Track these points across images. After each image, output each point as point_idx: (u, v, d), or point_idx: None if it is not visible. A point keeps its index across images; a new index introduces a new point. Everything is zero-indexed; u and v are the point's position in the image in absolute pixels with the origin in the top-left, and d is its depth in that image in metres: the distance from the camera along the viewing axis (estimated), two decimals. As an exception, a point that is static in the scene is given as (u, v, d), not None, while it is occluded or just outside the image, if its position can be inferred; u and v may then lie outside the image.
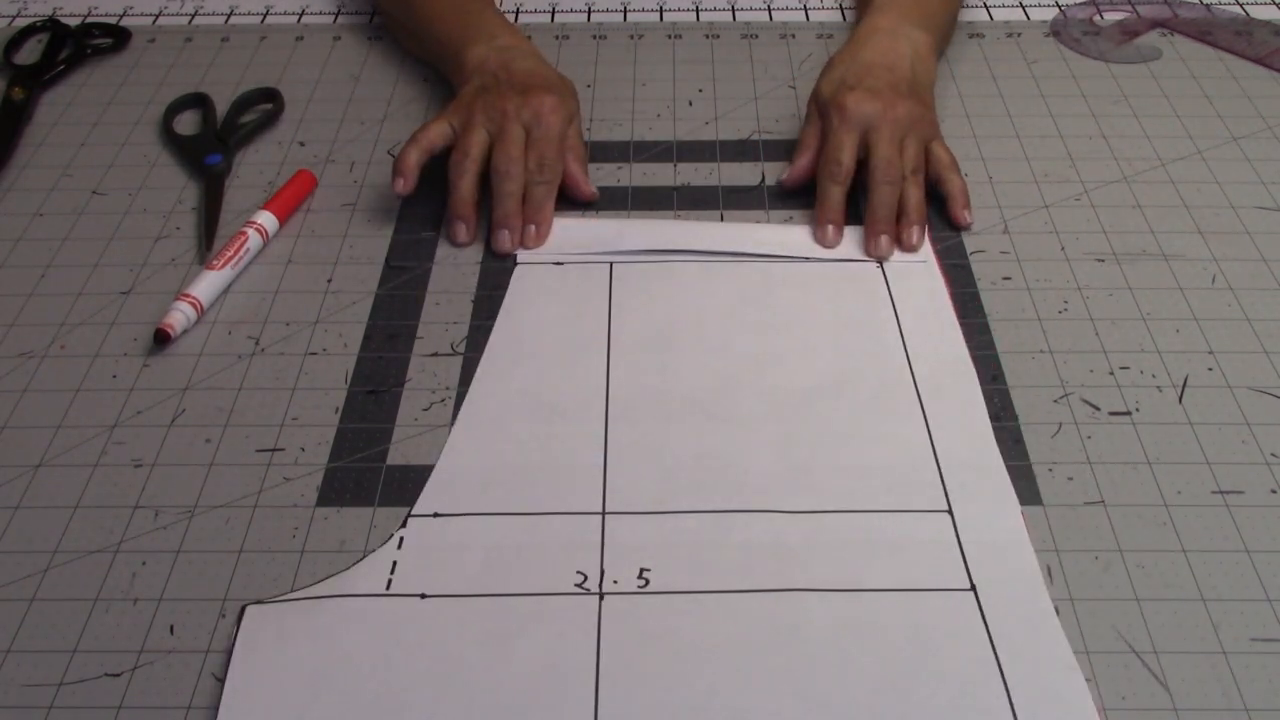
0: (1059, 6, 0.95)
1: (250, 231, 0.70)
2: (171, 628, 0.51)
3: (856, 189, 0.73)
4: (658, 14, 0.95)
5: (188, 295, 0.66)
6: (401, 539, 0.54)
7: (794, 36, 0.92)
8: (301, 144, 0.81)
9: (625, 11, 0.95)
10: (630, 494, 0.56)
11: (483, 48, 0.78)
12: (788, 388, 0.62)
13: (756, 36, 0.92)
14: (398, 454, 0.59)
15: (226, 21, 0.95)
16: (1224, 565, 0.53)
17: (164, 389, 0.62)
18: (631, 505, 0.56)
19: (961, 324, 0.65)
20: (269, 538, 0.55)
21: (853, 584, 0.52)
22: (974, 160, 0.77)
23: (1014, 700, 0.48)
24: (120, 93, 0.87)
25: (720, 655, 0.49)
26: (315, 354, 0.64)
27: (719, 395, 0.61)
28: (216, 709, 0.48)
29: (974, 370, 0.62)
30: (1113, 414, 0.60)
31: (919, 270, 0.69)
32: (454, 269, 0.70)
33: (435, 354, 0.64)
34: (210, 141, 0.80)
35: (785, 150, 0.79)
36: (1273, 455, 0.58)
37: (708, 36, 0.92)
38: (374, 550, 0.54)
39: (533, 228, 0.71)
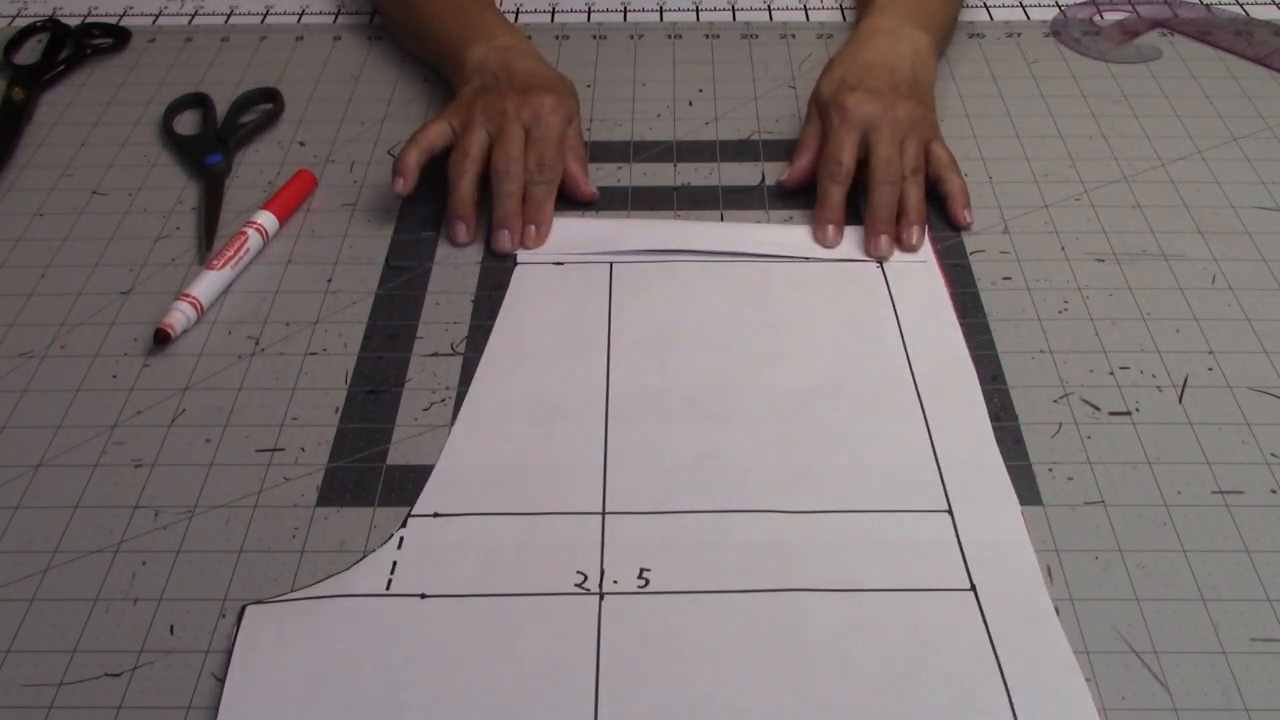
0: (1059, 6, 0.95)
1: (250, 231, 0.70)
2: (171, 628, 0.51)
3: (857, 189, 0.73)
4: (658, 14, 0.95)
5: (188, 295, 0.66)
6: (401, 539, 0.54)
7: (794, 36, 0.92)
8: (301, 144, 0.81)
9: (625, 11, 0.95)
10: (630, 494, 0.56)
11: (482, 48, 0.78)
12: (788, 388, 0.62)
13: (756, 36, 0.92)
14: (398, 454, 0.59)
15: (226, 21, 0.95)
16: (1224, 565, 0.53)
17: (164, 389, 0.62)
18: (631, 505, 0.56)
19: (961, 324, 0.65)
20: (269, 538, 0.55)
21: (853, 584, 0.52)
22: (974, 160, 0.77)
23: (1014, 700, 0.48)
24: (120, 93, 0.87)
25: (720, 655, 0.49)
26: (315, 354, 0.64)
27: (719, 395, 0.61)
28: (216, 709, 0.48)
29: (974, 370, 0.62)
30: (1113, 414, 0.60)
31: (919, 270, 0.69)
32: (454, 269, 0.70)
33: (435, 354, 0.64)
34: (210, 141, 0.80)
35: (785, 150, 0.79)
36: (1273, 455, 0.58)
37: (708, 36, 0.92)
38: (374, 550, 0.54)
39: (533, 228, 0.71)
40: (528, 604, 0.51)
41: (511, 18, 0.94)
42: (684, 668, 0.49)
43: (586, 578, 0.52)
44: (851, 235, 0.71)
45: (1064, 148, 0.79)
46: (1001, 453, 0.58)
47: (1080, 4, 0.95)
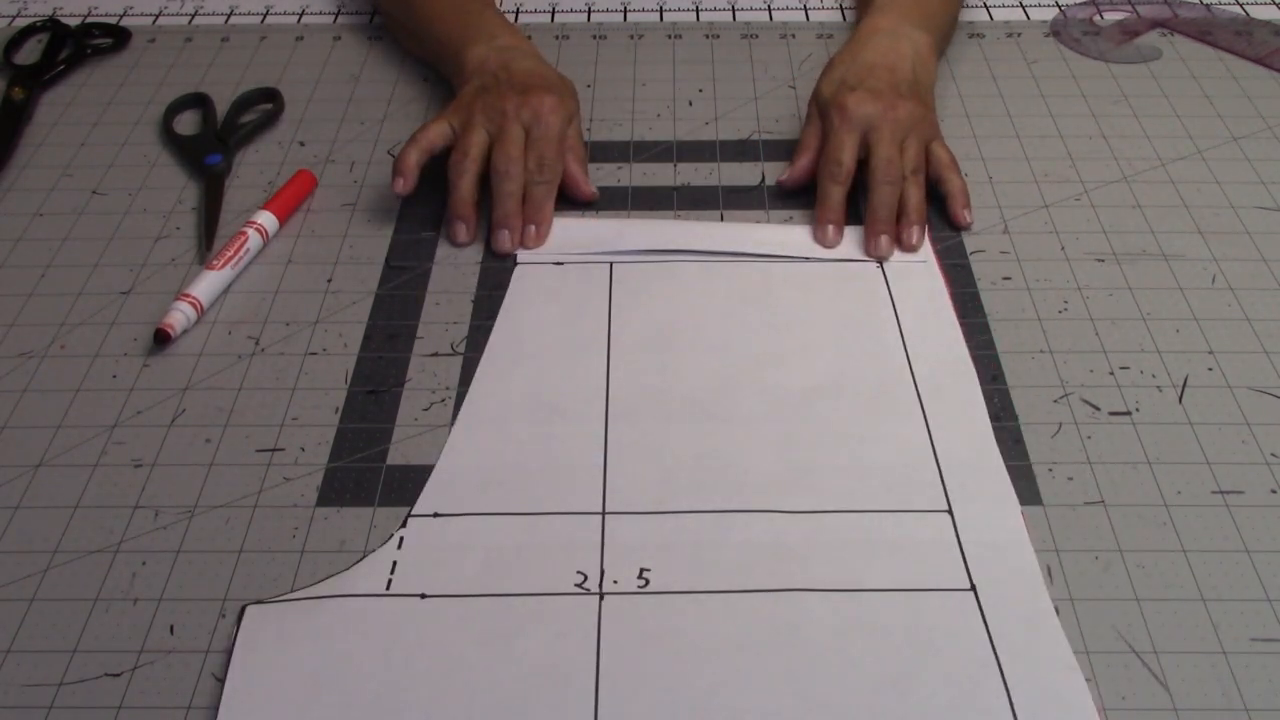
0: (1059, 6, 0.95)
1: (250, 231, 0.70)
2: (171, 628, 0.51)
3: (857, 189, 0.73)
4: (658, 14, 0.95)
5: (188, 295, 0.66)
6: (401, 539, 0.54)
7: (794, 36, 0.92)
8: (301, 144, 0.81)
9: (625, 11, 0.95)
10: (630, 494, 0.56)
11: (482, 48, 0.78)
12: (788, 388, 0.62)
13: (756, 36, 0.92)
14: (398, 454, 0.59)
15: (226, 21, 0.95)
16: (1224, 565, 0.53)
17: (164, 389, 0.62)
18: (631, 505, 0.56)
19: (961, 324, 0.65)
20: (269, 538, 0.55)
21: (853, 584, 0.52)
22: (974, 160, 0.77)
23: (1014, 700, 0.48)
24: (120, 93, 0.87)
25: (720, 655, 0.49)
26: (315, 354, 0.64)
27: (719, 395, 0.61)
28: (216, 709, 0.48)
29: (974, 370, 0.62)
30: (1113, 414, 0.60)
31: (919, 270, 0.69)
32: (454, 269, 0.70)
33: (435, 354, 0.64)
34: (210, 141, 0.80)
35: (785, 150, 0.79)
36: (1273, 455, 0.58)
37: (708, 36, 0.92)
38: (374, 550, 0.54)
39: (533, 228, 0.71)
40: (528, 604, 0.51)
41: (511, 18, 0.94)
42: (684, 668, 0.49)
43: (586, 578, 0.52)
44: (851, 235, 0.71)
45: (1064, 148, 0.79)
46: (1001, 453, 0.58)
47: (1080, 4, 0.95)
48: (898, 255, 0.70)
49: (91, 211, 0.75)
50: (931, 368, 0.62)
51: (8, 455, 0.59)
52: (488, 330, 0.65)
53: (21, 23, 0.94)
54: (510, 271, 0.69)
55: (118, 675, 0.49)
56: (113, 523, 0.56)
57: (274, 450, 0.59)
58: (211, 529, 0.55)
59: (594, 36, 0.92)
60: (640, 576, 0.52)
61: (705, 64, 0.88)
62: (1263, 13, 0.93)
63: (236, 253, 0.69)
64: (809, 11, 0.95)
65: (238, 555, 0.54)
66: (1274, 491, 0.56)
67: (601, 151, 0.79)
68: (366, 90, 0.86)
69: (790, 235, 0.71)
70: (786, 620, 0.51)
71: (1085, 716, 0.47)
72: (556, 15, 0.95)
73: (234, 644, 0.50)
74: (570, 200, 0.74)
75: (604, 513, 0.55)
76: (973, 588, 0.52)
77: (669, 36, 0.92)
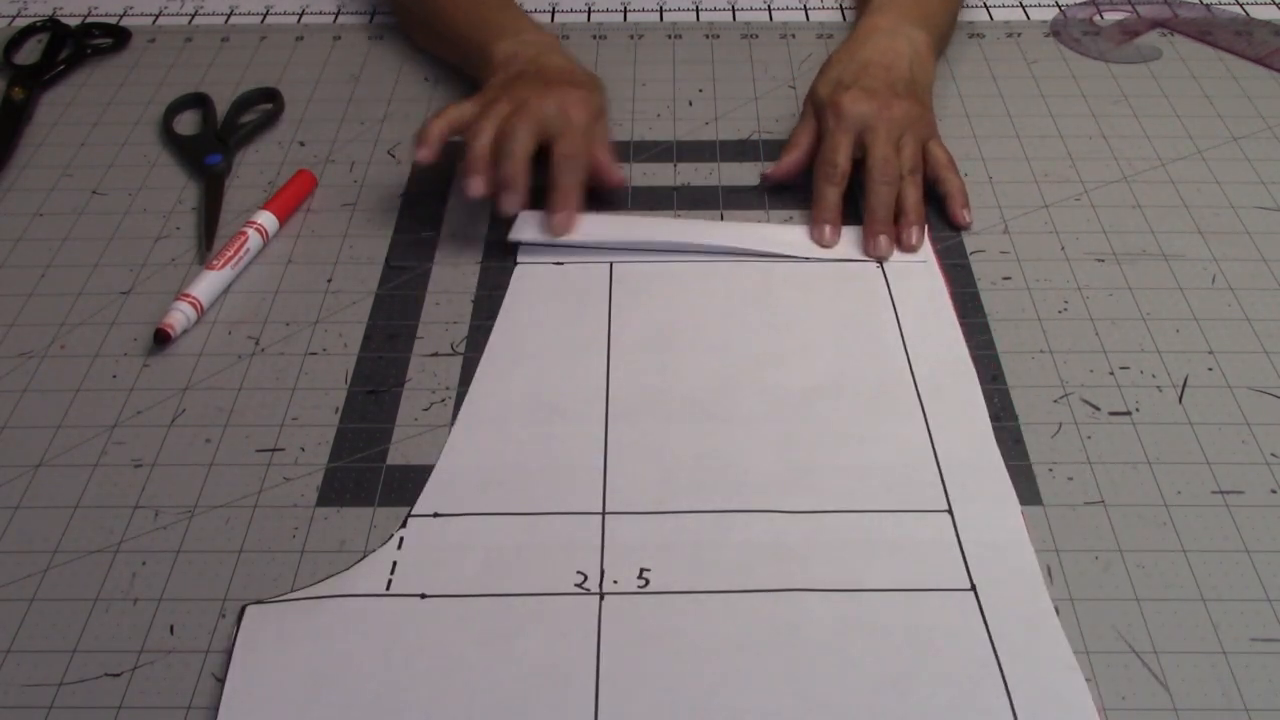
0: (1059, 6, 0.95)
1: (250, 231, 0.70)
2: (171, 628, 0.51)
3: (857, 189, 0.72)
4: (658, 14, 0.95)
5: (188, 295, 0.66)
6: (401, 539, 0.54)
7: (794, 36, 0.92)
8: (301, 144, 0.81)
9: (625, 11, 0.95)
10: (630, 494, 0.56)
11: (511, 42, 0.78)
12: (788, 388, 0.62)
13: (756, 36, 0.92)
14: (398, 454, 0.59)
15: (226, 21, 0.95)
16: (1224, 565, 0.53)
17: (164, 389, 0.62)
18: (631, 505, 0.56)
19: (961, 324, 0.65)
20: (269, 538, 0.55)
21: (853, 584, 0.52)
22: (974, 160, 0.77)
23: (1014, 700, 0.47)
24: (120, 93, 0.87)
25: (720, 655, 0.49)
26: (315, 354, 0.64)
27: (719, 395, 0.61)
28: (216, 709, 0.48)
29: (974, 370, 0.62)
30: (1113, 414, 0.60)
31: (919, 270, 0.69)
32: (454, 269, 0.70)
33: (435, 354, 0.64)
34: (210, 141, 0.80)
35: (785, 150, 0.79)
36: (1273, 455, 0.58)
37: (708, 36, 0.92)
38: (374, 550, 0.54)
39: (561, 215, 0.70)
40: (528, 604, 0.51)
41: (511, 18, 0.94)
42: (684, 668, 0.49)
43: (586, 578, 0.52)
44: (851, 235, 0.71)
45: (1064, 148, 0.79)
46: (1001, 453, 0.58)
47: (1080, 4, 0.95)
48: (898, 255, 0.70)
49: (91, 211, 0.75)
50: (931, 368, 0.62)
51: (8, 455, 0.59)
52: (488, 330, 0.65)
53: (21, 23, 0.94)
54: (510, 271, 0.69)
55: (118, 675, 0.49)
56: (113, 523, 0.56)
57: (274, 450, 0.59)
58: (211, 529, 0.55)
59: (594, 36, 0.92)
60: (640, 576, 0.52)
61: (705, 64, 0.88)
62: (1263, 13, 0.93)
63: (236, 253, 0.69)
64: (809, 11, 0.95)
65: (238, 555, 0.54)
66: (1274, 491, 0.56)
67: (601, 151, 0.79)
68: (366, 90, 0.86)
69: (790, 235, 0.71)
70: (786, 620, 0.51)
71: (1085, 716, 0.47)
72: (556, 15, 0.95)
73: (234, 644, 0.50)
74: (599, 195, 0.73)
75: (604, 513, 0.55)
76: (973, 588, 0.52)
77: (669, 36, 0.92)
